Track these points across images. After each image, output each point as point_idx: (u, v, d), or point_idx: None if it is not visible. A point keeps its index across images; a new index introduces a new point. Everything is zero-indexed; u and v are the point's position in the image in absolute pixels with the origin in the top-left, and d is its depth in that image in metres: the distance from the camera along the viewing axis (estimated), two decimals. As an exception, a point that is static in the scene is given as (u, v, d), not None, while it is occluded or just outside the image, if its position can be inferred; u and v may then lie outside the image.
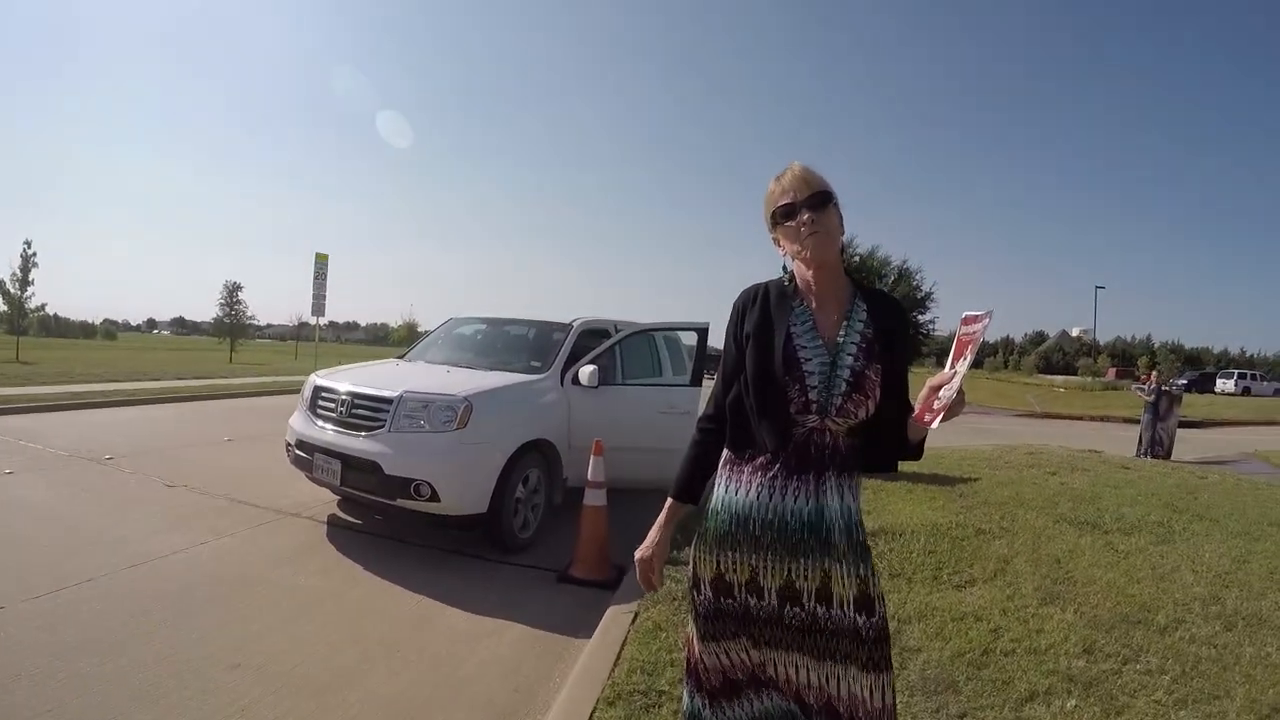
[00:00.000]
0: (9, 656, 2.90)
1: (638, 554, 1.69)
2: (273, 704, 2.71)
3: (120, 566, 3.93)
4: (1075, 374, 57.62)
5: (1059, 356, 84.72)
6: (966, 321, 1.40)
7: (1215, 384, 42.39)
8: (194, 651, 3.05)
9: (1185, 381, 45.49)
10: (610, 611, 3.50)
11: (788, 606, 1.50)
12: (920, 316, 30.51)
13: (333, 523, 5.01)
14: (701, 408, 1.76)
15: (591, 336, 5.65)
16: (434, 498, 4.15)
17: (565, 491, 5.11)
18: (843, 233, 1.60)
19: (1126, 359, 79.93)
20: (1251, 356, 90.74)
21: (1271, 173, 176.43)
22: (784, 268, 1.67)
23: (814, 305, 1.59)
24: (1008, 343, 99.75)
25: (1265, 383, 42.98)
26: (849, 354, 1.52)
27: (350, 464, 4.37)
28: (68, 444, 7.33)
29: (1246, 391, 39.92)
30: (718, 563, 1.56)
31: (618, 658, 3.00)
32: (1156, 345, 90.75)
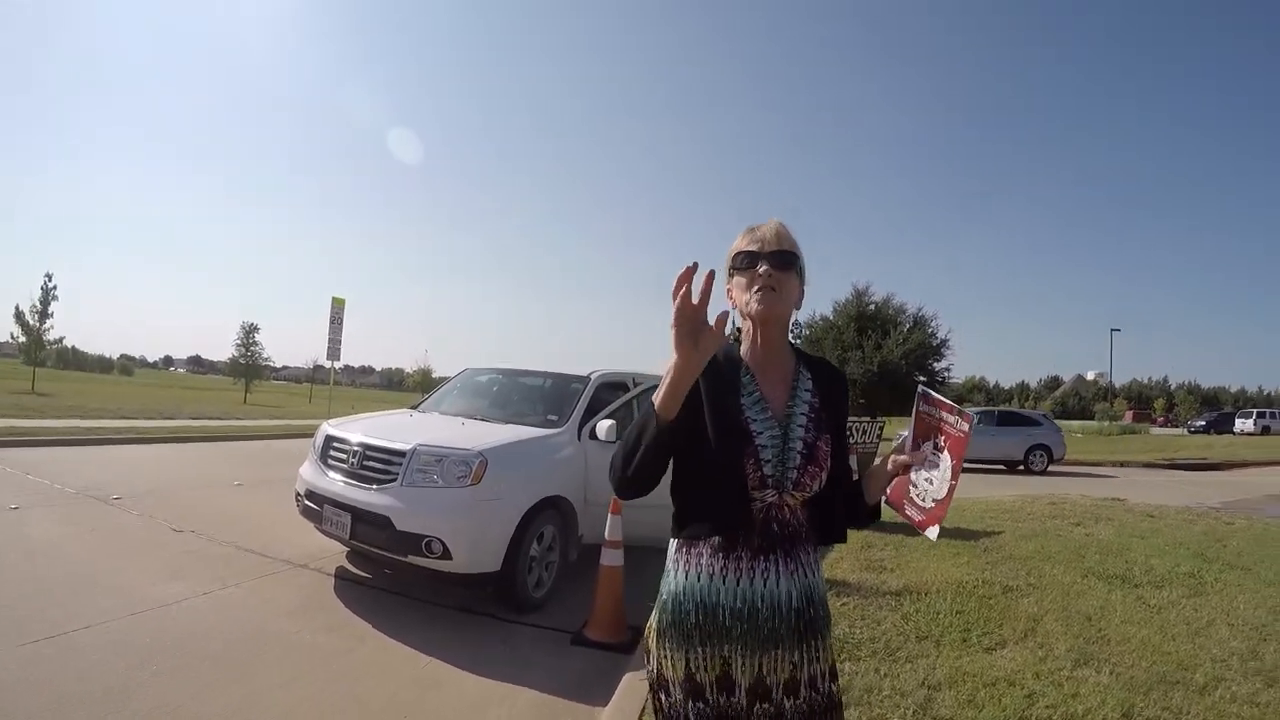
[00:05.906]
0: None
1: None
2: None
3: (121, 614, 3.85)
4: (1092, 418, 56.88)
5: (1075, 401, 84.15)
6: (943, 406, 1.40)
7: (1234, 424, 41.54)
8: (192, 708, 2.95)
9: (1204, 422, 44.87)
10: (627, 678, 3.37)
11: (757, 704, 1.41)
12: (936, 364, 30.45)
13: (340, 575, 4.91)
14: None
15: (609, 389, 5.55)
16: (446, 555, 4.04)
17: (581, 549, 4.99)
18: (799, 306, 1.52)
19: (1143, 401, 79.43)
20: (1270, 395, 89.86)
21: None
22: (733, 323, 1.56)
23: (759, 374, 1.51)
24: (1023, 388, 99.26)
25: (1286, 421, 41.59)
26: (799, 425, 1.46)
27: (360, 517, 4.28)
28: (76, 481, 7.33)
29: (1266, 430, 38.61)
30: (687, 661, 1.42)
31: (636, 729, 2.87)
32: (1174, 386, 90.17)
